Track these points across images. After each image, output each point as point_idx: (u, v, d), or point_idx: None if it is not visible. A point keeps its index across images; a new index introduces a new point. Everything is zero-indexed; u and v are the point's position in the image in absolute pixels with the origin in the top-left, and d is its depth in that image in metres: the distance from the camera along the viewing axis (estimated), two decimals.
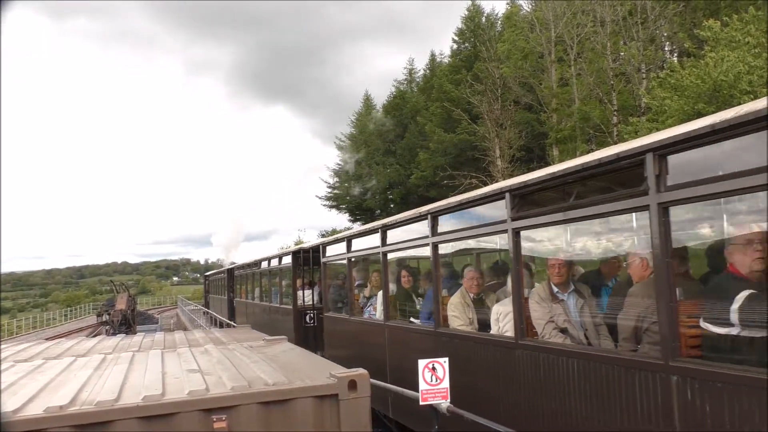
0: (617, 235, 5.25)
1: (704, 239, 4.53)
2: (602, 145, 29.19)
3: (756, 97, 12.50)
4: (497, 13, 42.42)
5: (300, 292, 13.87)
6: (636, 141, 4.06)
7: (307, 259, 13.83)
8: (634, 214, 4.24)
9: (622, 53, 27.58)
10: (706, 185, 3.38)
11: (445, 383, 4.86)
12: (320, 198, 54.37)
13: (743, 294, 3.52)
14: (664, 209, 3.66)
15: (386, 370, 7.74)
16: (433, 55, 49.20)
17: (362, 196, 47.85)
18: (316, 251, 12.51)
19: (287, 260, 14.81)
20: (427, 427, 5.60)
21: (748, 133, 3.15)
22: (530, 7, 36.44)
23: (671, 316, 3.63)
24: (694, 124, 3.58)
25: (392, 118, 47.84)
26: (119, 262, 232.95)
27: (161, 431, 3.42)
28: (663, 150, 3.66)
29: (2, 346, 6.78)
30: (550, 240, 5.67)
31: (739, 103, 3.71)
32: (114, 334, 20.35)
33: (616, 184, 4.22)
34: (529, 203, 5.12)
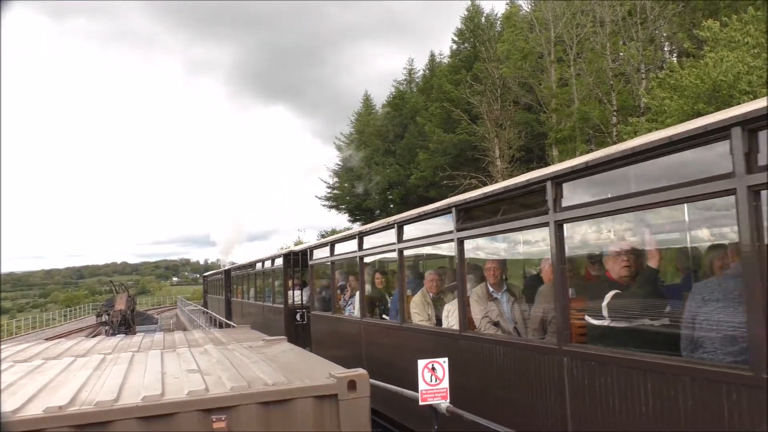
0: (536, 246, 6.27)
1: (591, 249, 5.51)
2: (602, 145, 29.20)
3: (756, 97, 12.51)
4: (497, 14, 42.43)
5: (291, 292, 14.58)
6: (539, 171, 5.05)
7: (297, 261, 14.56)
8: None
9: (622, 53, 27.59)
10: (586, 207, 4.38)
11: (445, 383, 4.87)
12: (320, 198, 54.38)
13: (610, 293, 4.52)
14: (558, 225, 4.61)
15: (362, 361, 8.60)
16: (432, 56, 49.21)
17: (366, 194, 47.83)
18: (306, 254, 13.18)
19: (279, 262, 15.50)
20: (406, 416, 6.29)
21: (617, 167, 4.07)
22: (530, 7, 36.44)
23: (564, 311, 4.60)
24: (577, 159, 4.54)
25: (393, 112, 47.82)
26: (119, 262, 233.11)
27: (161, 431, 3.42)
28: (558, 179, 4.60)
29: (2, 347, 6.78)
30: (488, 247, 6.67)
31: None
32: (113, 334, 20.35)
33: (528, 204, 5.18)
34: (470, 217, 6.11)
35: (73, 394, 3.59)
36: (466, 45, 42.34)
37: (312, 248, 12.49)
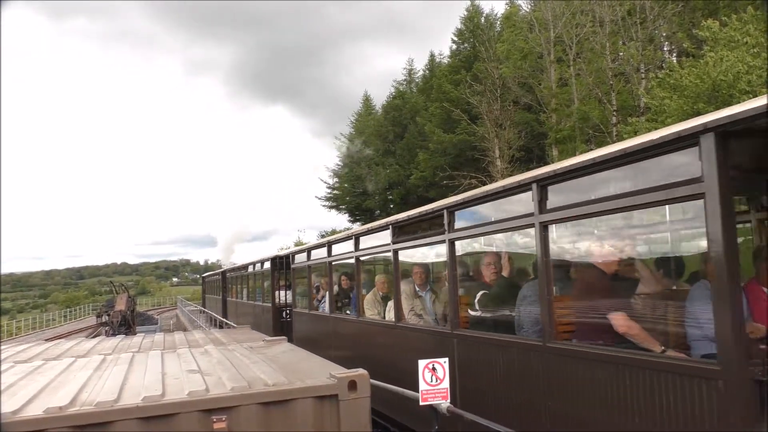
0: (442, 257, 7.42)
1: (474, 259, 7.06)
2: (601, 144, 29.19)
3: (756, 96, 12.48)
4: (496, 14, 42.40)
5: (277, 292, 16.23)
6: (438, 202, 6.82)
7: (283, 264, 15.87)
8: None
9: (621, 53, 27.59)
10: (467, 230, 6.29)
11: (445, 383, 4.86)
12: (320, 198, 54.38)
13: (480, 293, 6.36)
14: (451, 243, 6.43)
15: (331, 348, 10.27)
16: (432, 56, 49.20)
17: (367, 194, 47.78)
18: (289, 258, 14.71)
19: (267, 265, 17.03)
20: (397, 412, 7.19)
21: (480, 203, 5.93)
22: (529, 7, 36.44)
23: (455, 305, 6.42)
24: (465, 194, 6.23)
25: (393, 112, 47.80)
26: (119, 262, 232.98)
27: (161, 431, 3.42)
28: (451, 208, 6.43)
29: (2, 347, 6.78)
30: (416, 255, 8.16)
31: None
32: (114, 334, 20.32)
33: (434, 225, 6.88)
34: (402, 232, 7.77)
35: (74, 395, 3.59)
36: (466, 45, 42.33)
37: (293, 253, 14.06)
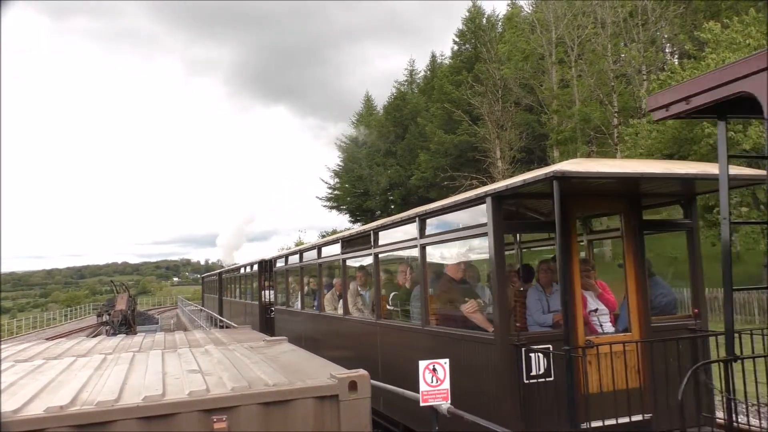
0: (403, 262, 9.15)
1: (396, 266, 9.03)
2: (602, 146, 29.19)
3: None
4: (498, 15, 42.46)
5: (264, 292, 18.16)
6: (368, 224, 9.31)
7: (269, 267, 17.74)
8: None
9: (623, 55, 27.60)
10: (384, 246, 8.54)
11: (446, 384, 4.86)
12: (320, 199, 54.41)
13: (393, 293, 8.41)
14: (376, 256, 8.63)
15: (303, 338, 12.03)
16: (433, 56, 49.25)
17: (372, 193, 47.76)
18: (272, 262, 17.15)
19: (255, 267, 19.00)
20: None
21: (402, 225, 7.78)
22: (531, 8, 36.43)
23: (378, 301, 8.45)
24: (383, 221, 8.80)
25: (392, 116, 47.78)
26: (119, 262, 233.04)
27: (161, 431, 3.42)
28: (377, 229, 8.64)
29: (2, 346, 6.78)
30: (362, 261, 9.97)
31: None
32: (114, 334, 20.36)
33: (366, 242, 8.96)
34: (350, 245, 9.97)
35: (74, 394, 3.59)
36: (467, 46, 42.35)
37: (275, 258, 16.32)
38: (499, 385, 5.50)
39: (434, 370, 4.84)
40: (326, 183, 53.98)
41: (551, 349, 5.34)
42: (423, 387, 4.82)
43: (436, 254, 7.48)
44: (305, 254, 12.94)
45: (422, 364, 4.87)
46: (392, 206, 45.77)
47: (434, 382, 4.83)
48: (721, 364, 4.02)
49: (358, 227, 10.19)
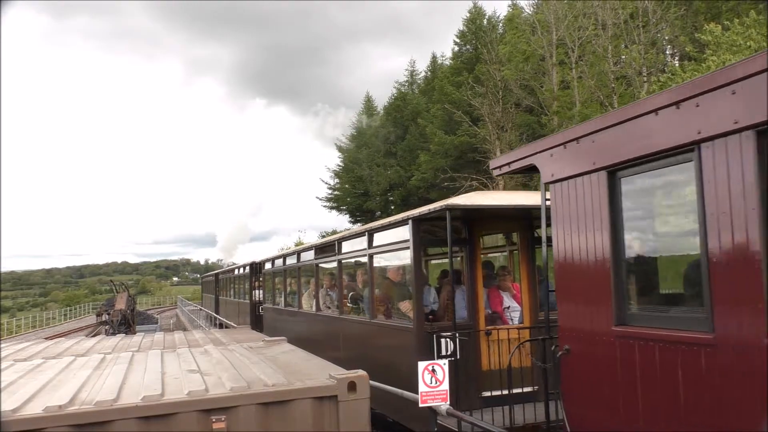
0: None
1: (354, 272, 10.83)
2: None
3: None
4: (499, 16, 42.39)
5: (254, 291, 19.92)
6: (332, 237, 12.46)
7: (259, 269, 19.41)
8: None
9: (624, 56, 27.60)
10: (338, 255, 10.67)
11: (445, 385, 4.86)
12: (320, 199, 54.41)
13: (351, 293, 10.10)
14: (339, 262, 10.55)
15: (283, 331, 13.37)
16: (434, 57, 49.25)
17: (367, 195, 47.76)
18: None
19: (247, 269, 20.80)
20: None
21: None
22: (532, 9, 36.44)
23: (341, 299, 10.32)
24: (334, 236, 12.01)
25: (393, 117, 47.83)
26: (119, 261, 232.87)
27: (160, 431, 3.42)
28: (344, 241, 10.50)
29: (2, 346, 6.78)
30: (327, 268, 11.72)
31: None
32: (113, 333, 20.35)
33: (329, 250, 11.01)
34: (321, 252, 11.73)
35: (73, 394, 3.59)
36: (468, 47, 42.33)
37: (264, 261, 18.32)
38: (417, 362, 6.56)
39: (433, 371, 4.84)
40: (326, 183, 54.02)
41: (457, 335, 6.93)
42: (422, 388, 4.82)
43: (382, 261, 9.17)
44: (288, 259, 14.88)
45: (421, 365, 4.87)
46: (392, 207, 45.75)
47: (433, 383, 4.83)
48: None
49: (337, 234, 12.02)
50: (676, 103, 3.72)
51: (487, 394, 6.98)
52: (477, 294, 7.49)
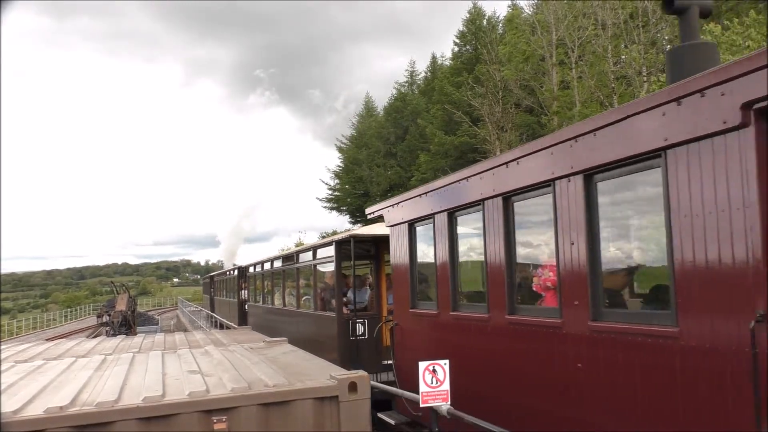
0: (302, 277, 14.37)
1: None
2: None
3: None
4: (498, 16, 42.32)
5: (241, 291, 23.19)
6: (299, 248, 16.99)
7: (245, 272, 22.55)
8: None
9: (623, 56, 27.58)
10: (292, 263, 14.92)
11: (446, 385, 4.85)
12: (320, 200, 54.39)
13: (305, 296, 13.86)
14: (297, 269, 14.32)
15: (264, 325, 16.41)
16: (434, 58, 49.19)
17: (366, 194, 47.73)
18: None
19: (236, 272, 24.50)
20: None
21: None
22: (531, 9, 36.42)
23: (297, 299, 14.12)
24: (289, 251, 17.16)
25: (392, 117, 47.81)
26: (119, 263, 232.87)
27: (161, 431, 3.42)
28: (315, 247, 13.36)
29: (3, 347, 6.78)
30: (292, 273, 14.81)
31: None
32: (114, 335, 20.36)
33: (292, 258, 14.94)
34: (287, 260, 15.20)
35: (74, 395, 3.60)
36: (468, 47, 42.28)
37: (248, 266, 21.83)
38: (338, 341, 10.69)
39: (434, 371, 4.83)
40: (326, 184, 53.99)
41: (366, 320, 10.64)
42: (423, 388, 4.81)
43: (323, 269, 12.37)
44: (264, 264, 18.17)
45: (422, 365, 4.86)
46: None
47: (434, 383, 4.83)
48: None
49: (309, 243, 16.12)
50: (467, 178, 6.49)
51: (385, 362, 9.81)
52: (381, 293, 11.07)
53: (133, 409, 3.40)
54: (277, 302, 16.15)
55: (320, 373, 4.18)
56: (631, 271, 4.76)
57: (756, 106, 3.23)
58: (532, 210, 5.52)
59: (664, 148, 3.82)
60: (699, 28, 5.30)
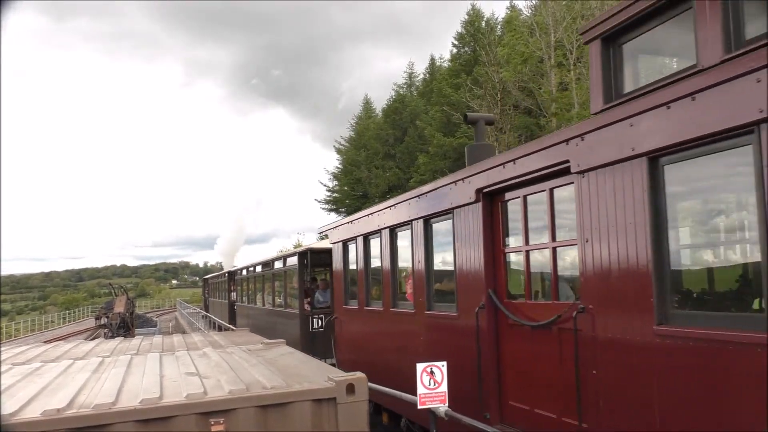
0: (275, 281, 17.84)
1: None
2: None
3: None
4: (497, 18, 42.38)
5: (231, 293, 25.73)
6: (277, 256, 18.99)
7: (234, 276, 25.47)
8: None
9: None
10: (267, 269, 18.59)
11: (443, 387, 4.86)
12: (319, 201, 54.36)
13: (279, 294, 17.92)
14: (272, 274, 17.66)
15: (252, 323, 18.30)
16: (432, 59, 49.21)
17: (365, 195, 47.72)
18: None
19: (226, 276, 27.58)
20: None
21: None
22: (530, 11, 36.45)
23: (273, 297, 17.46)
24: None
25: (391, 119, 47.81)
26: (118, 264, 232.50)
27: None
28: (285, 256, 16.82)
29: (1, 349, 6.77)
30: (269, 276, 17.93)
31: None
32: (112, 336, 20.34)
33: (269, 264, 18.07)
34: (265, 266, 18.21)
35: (72, 397, 3.59)
36: (467, 49, 42.31)
37: (237, 270, 24.93)
38: (300, 332, 13.24)
39: (432, 373, 4.83)
40: (325, 185, 53.97)
41: (322, 316, 13.00)
42: (420, 390, 4.82)
43: (290, 275, 14.91)
44: (249, 269, 20.92)
45: (419, 366, 4.86)
46: None
47: (432, 384, 4.83)
48: None
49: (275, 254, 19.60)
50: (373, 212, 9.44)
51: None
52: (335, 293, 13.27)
53: (130, 411, 3.39)
54: (258, 302, 19.00)
55: (318, 374, 4.18)
56: (443, 276, 7.25)
57: (484, 190, 5.85)
58: (404, 236, 7.99)
59: (451, 208, 6.49)
60: (485, 132, 8.19)
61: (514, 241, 5.76)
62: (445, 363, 4.92)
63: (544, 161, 4.92)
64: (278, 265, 16.06)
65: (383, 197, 47.92)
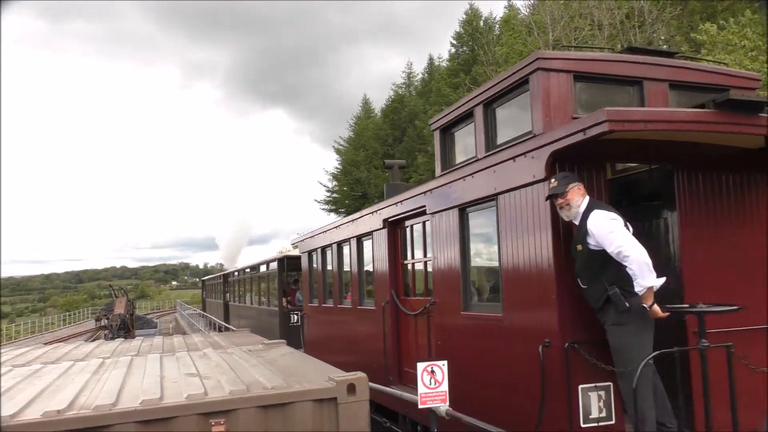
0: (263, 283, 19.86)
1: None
2: None
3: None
4: (495, 17, 42.37)
5: (226, 294, 27.37)
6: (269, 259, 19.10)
7: (228, 277, 27.76)
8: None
9: None
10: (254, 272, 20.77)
11: (444, 386, 4.86)
12: (319, 202, 54.36)
13: (264, 294, 19.32)
14: (258, 276, 19.76)
15: (241, 319, 21.51)
16: (431, 59, 49.22)
17: (364, 196, 47.70)
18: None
19: (221, 278, 29.80)
20: None
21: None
22: (528, 10, 36.46)
23: (259, 297, 19.43)
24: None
25: (390, 119, 47.81)
26: (118, 266, 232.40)
27: None
28: (267, 262, 18.54)
29: (1, 351, 6.77)
30: (255, 278, 20.30)
31: None
32: (112, 338, 20.36)
33: (256, 267, 20.30)
34: (253, 269, 20.50)
35: (72, 398, 3.59)
36: (465, 48, 42.32)
37: (229, 273, 27.28)
38: (279, 326, 15.00)
39: (432, 372, 4.83)
40: (324, 186, 53.94)
41: (298, 313, 14.24)
42: (421, 389, 4.81)
43: (272, 277, 16.69)
44: (239, 272, 23.46)
45: (420, 366, 4.86)
46: None
47: (432, 384, 4.83)
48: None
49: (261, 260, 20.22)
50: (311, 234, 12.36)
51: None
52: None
53: (131, 412, 3.39)
54: (247, 301, 21.41)
55: (318, 374, 4.18)
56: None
57: (388, 220, 8.18)
58: (346, 249, 10.05)
59: (371, 231, 8.90)
60: (402, 175, 11.49)
61: (408, 256, 8.05)
62: (445, 362, 4.92)
63: (414, 204, 7.31)
64: (263, 269, 18.44)
65: (382, 197, 47.93)
